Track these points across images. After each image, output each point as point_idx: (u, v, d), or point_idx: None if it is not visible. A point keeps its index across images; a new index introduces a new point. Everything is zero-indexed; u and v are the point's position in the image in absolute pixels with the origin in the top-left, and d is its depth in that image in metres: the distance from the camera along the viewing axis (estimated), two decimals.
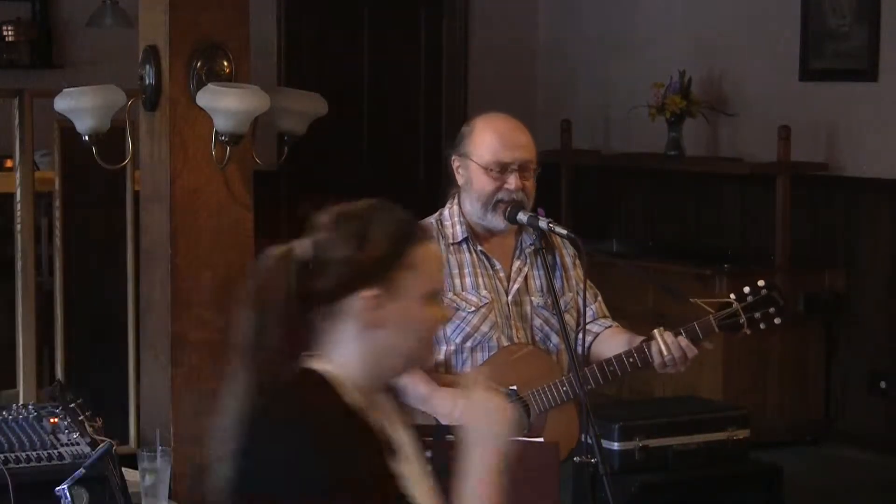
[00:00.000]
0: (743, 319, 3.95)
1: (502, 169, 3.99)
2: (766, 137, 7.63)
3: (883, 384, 7.42)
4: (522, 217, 3.95)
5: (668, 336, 3.91)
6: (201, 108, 4.44)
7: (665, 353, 3.90)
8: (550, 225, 3.90)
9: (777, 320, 3.96)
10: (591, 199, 8.85)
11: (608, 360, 3.96)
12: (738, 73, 8.13)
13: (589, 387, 3.92)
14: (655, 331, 3.94)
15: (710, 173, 8.16)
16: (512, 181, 3.97)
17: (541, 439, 3.34)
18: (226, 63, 4.52)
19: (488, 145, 4.01)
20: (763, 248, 7.76)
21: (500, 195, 3.99)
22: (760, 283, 3.98)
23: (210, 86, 4.42)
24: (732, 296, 3.96)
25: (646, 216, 8.74)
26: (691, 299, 3.95)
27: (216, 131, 4.43)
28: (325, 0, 8.71)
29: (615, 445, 5.56)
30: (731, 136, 8.18)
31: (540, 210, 3.98)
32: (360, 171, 8.70)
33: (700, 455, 5.70)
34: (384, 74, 8.85)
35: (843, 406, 7.60)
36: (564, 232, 3.89)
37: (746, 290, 3.96)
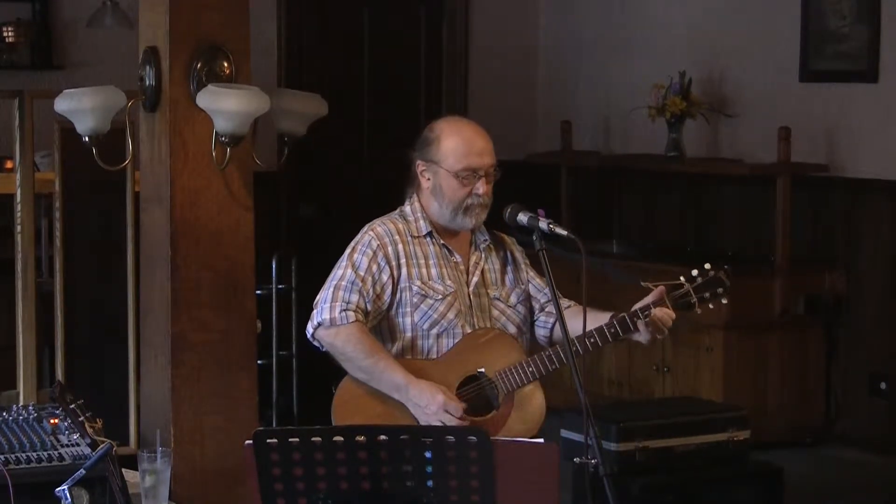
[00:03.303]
0: (694, 299, 4.19)
1: (472, 175, 4.13)
2: (766, 138, 7.62)
3: (883, 385, 7.41)
4: (523, 218, 4.03)
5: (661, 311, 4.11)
6: (201, 109, 4.44)
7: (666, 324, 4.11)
8: (551, 226, 3.95)
9: (724, 300, 4.22)
10: (591, 200, 8.84)
11: (589, 333, 4.06)
12: (738, 74, 8.12)
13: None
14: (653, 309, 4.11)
15: (710, 174, 8.15)
16: (481, 187, 4.14)
17: (541, 440, 3.35)
18: (226, 64, 4.52)
19: (459, 152, 4.15)
20: (763, 248, 7.75)
21: (469, 200, 4.14)
22: (707, 265, 4.21)
23: (210, 87, 4.42)
24: (682, 278, 4.20)
25: (646, 217, 8.74)
26: (642, 282, 4.18)
27: (216, 132, 4.43)
28: (325, 0, 8.71)
29: (613, 446, 5.56)
30: (732, 136, 8.17)
31: (540, 211, 4.03)
32: (360, 171, 8.69)
33: (700, 456, 5.70)
34: (384, 74, 8.84)
35: (844, 407, 7.60)
36: (565, 233, 3.93)
37: (695, 272, 4.20)
